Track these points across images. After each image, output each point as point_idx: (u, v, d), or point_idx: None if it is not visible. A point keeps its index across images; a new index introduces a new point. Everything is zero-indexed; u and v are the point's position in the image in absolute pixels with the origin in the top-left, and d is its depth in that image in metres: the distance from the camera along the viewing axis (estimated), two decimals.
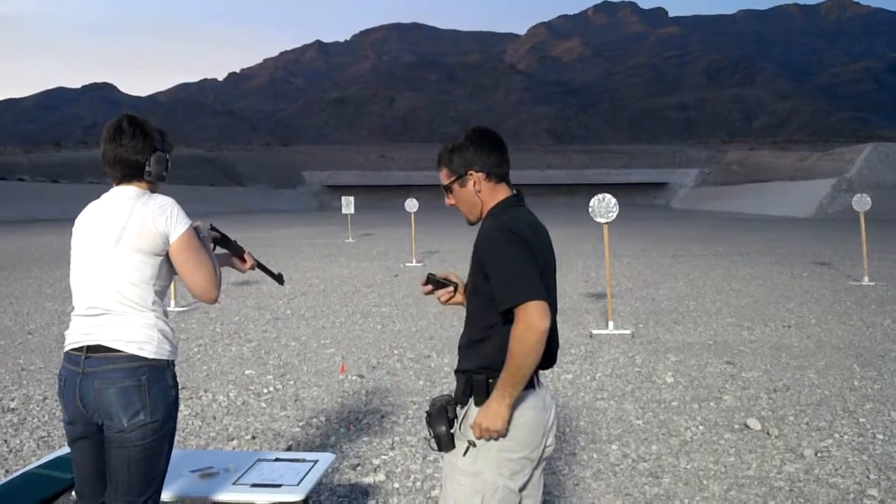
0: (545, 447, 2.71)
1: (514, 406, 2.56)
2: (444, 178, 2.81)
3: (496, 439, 2.56)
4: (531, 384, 2.62)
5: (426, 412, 2.71)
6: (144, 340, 2.79)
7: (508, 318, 2.50)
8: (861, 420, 6.16)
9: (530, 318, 2.43)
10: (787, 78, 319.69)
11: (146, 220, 2.78)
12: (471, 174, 2.73)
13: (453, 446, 2.64)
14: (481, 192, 2.75)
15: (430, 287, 2.99)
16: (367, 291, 14.33)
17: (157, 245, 2.80)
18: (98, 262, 2.82)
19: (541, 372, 2.71)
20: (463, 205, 2.80)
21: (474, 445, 2.58)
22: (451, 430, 2.65)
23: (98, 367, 2.76)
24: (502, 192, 2.76)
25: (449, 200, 2.85)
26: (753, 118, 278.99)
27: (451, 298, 2.98)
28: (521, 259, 2.50)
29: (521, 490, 2.64)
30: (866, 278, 15.08)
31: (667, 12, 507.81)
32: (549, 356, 2.67)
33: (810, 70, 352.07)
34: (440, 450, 2.67)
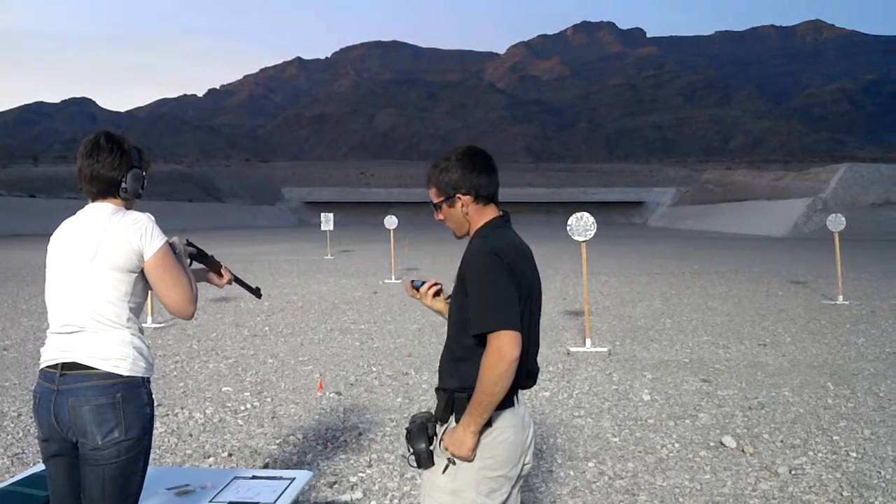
0: (524, 465, 2.73)
1: (494, 425, 2.58)
2: (433, 196, 2.83)
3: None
4: (511, 403, 2.64)
5: (406, 429, 2.72)
6: (119, 357, 2.78)
7: (485, 339, 2.53)
8: (835, 438, 6.21)
9: (502, 347, 2.45)
10: (764, 98, 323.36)
11: (121, 236, 2.78)
12: (458, 197, 2.75)
13: (432, 464, 2.65)
14: (469, 214, 2.77)
15: (413, 290, 3.02)
16: (346, 308, 14.31)
17: (132, 262, 2.79)
18: (73, 280, 2.81)
19: (520, 391, 2.73)
20: (451, 222, 2.83)
21: (454, 463, 2.59)
22: (431, 448, 2.66)
23: (73, 384, 2.74)
24: (490, 213, 2.78)
25: (438, 216, 2.87)
26: (730, 138, 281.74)
27: (438, 294, 2.99)
28: (502, 285, 2.52)
29: None
30: (841, 297, 15.23)
31: (645, 33, 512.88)
32: (529, 375, 2.70)
33: (786, 91, 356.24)
34: (419, 467, 2.68)
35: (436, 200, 2.82)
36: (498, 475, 2.60)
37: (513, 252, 2.63)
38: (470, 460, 2.57)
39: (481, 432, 2.57)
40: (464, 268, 2.63)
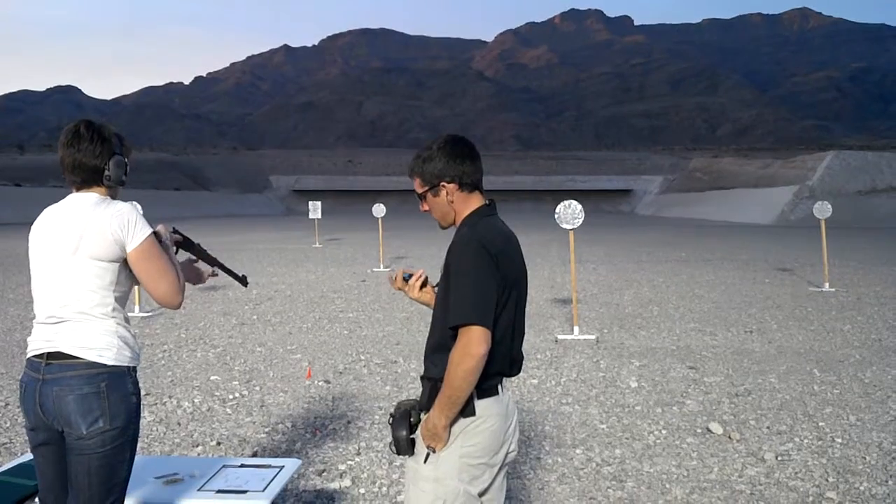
0: (508, 453, 2.74)
1: (477, 413, 2.59)
2: (417, 187, 2.82)
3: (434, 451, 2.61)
4: (495, 391, 2.65)
5: (390, 415, 2.74)
6: (104, 347, 2.77)
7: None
8: (820, 424, 6.26)
9: (469, 342, 2.46)
10: (751, 86, 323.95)
11: (103, 227, 2.76)
12: (443, 185, 2.74)
13: (412, 451, 2.67)
14: (454, 202, 2.76)
15: (402, 282, 2.99)
16: (334, 297, 14.30)
17: (114, 252, 2.78)
18: (58, 270, 2.80)
19: (505, 378, 2.74)
20: (436, 212, 2.81)
21: (434, 451, 2.60)
22: (412, 436, 2.67)
23: (58, 373, 2.74)
24: (475, 201, 2.77)
25: (423, 207, 2.85)
26: (717, 126, 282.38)
27: (425, 286, 2.98)
28: (483, 279, 2.52)
29: (482, 494, 2.67)
30: (827, 284, 15.31)
31: (632, 20, 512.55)
32: (513, 364, 2.71)
33: (773, 79, 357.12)
34: (399, 454, 2.70)
35: (420, 190, 2.81)
36: (479, 463, 2.61)
37: (501, 242, 2.63)
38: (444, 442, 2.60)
39: (455, 421, 2.59)
40: (450, 257, 2.62)
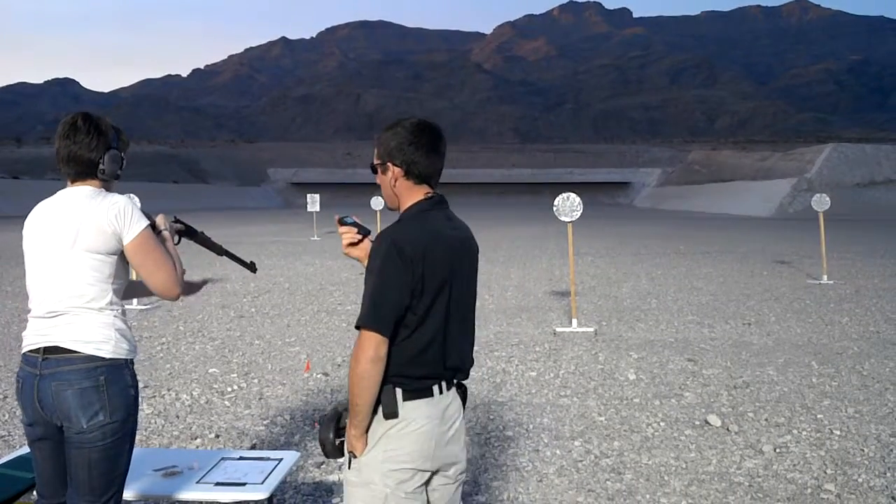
0: (447, 460, 2.55)
1: (401, 415, 2.44)
2: (374, 157, 2.64)
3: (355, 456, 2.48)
4: (427, 393, 2.47)
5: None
6: (101, 340, 2.76)
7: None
8: (819, 416, 6.27)
9: (360, 346, 2.36)
10: (749, 79, 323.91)
11: (100, 219, 2.75)
12: (390, 166, 2.56)
13: (341, 454, 2.54)
14: (396, 188, 2.57)
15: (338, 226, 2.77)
16: (333, 289, 14.29)
17: (111, 245, 2.76)
18: (55, 264, 2.78)
19: (449, 381, 2.56)
20: (383, 190, 2.65)
21: (355, 456, 2.48)
22: (340, 439, 2.53)
23: (55, 368, 2.73)
24: (419, 194, 2.57)
25: (377, 179, 2.67)
26: (716, 118, 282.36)
27: (357, 244, 2.70)
28: (389, 282, 2.37)
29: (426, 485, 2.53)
30: (825, 277, 15.32)
31: (631, 13, 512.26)
32: (450, 369, 2.54)
33: (772, 71, 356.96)
34: (326, 456, 2.57)
35: (374, 162, 2.64)
36: (404, 468, 2.44)
37: (423, 244, 2.42)
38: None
39: (374, 423, 2.46)
40: (370, 253, 2.48)
